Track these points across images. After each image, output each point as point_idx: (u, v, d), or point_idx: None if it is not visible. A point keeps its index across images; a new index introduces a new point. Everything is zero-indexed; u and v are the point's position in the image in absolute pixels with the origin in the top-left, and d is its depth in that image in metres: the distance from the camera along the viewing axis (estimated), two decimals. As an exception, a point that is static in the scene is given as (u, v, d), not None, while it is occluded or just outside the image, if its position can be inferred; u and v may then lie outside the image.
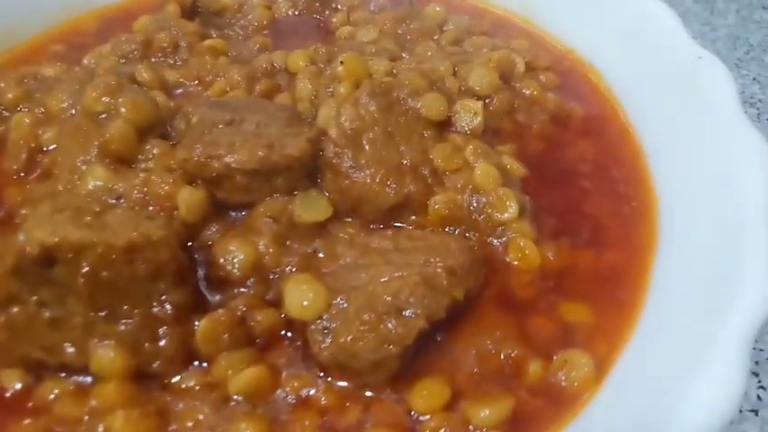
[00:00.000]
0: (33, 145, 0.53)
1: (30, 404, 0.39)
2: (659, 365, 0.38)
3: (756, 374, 0.58)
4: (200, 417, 0.38)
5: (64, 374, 0.40)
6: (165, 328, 0.39)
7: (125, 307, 0.38)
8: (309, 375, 0.40)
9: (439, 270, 0.41)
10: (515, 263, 0.46)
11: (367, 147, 0.48)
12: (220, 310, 0.40)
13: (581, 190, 0.51)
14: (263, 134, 0.47)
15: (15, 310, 0.37)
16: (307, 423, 0.38)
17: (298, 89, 0.56)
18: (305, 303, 0.40)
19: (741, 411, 0.55)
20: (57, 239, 0.36)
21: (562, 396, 0.39)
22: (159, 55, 0.61)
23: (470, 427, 0.37)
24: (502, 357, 0.41)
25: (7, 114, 0.57)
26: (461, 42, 0.65)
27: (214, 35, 0.66)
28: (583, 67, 0.63)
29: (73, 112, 0.55)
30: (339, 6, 0.71)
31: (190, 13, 0.67)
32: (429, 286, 0.40)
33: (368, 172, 0.47)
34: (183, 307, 0.39)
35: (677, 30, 0.54)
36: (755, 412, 0.55)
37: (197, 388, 0.39)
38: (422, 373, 0.40)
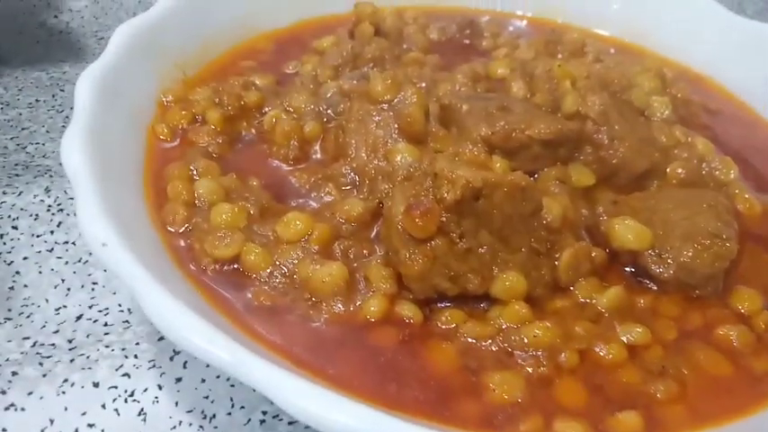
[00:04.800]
0: (300, 136, 0.59)
1: (436, 330, 0.45)
2: None
3: None
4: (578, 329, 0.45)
5: (450, 304, 0.46)
6: (541, 258, 0.46)
7: (517, 240, 0.45)
8: (650, 292, 0.49)
9: (721, 207, 0.52)
10: (744, 211, 0.58)
11: (616, 125, 0.58)
12: (576, 245, 0.48)
13: (753, 163, 0.65)
14: (538, 115, 0.57)
15: (439, 241, 0.43)
16: (663, 322, 0.47)
17: (514, 90, 0.66)
18: (637, 236, 0.49)
19: None
20: (482, 177, 0.43)
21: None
22: (371, 65, 0.69)
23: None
24: (774, 272, 0.52)
25: (258, 115, 0.63)
26: (602, 61, 0.78)
27: (396, 52, 0.75)
28: (704, 79, 0.78)
29: (315, 108, 0.62)
30: (485, 33, 0.83)
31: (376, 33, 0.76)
32: (722, 219, 0.51)
33: (624, 144, 0.57)
34: (547, 242, 0.47)
35: None
36: None
37: (567, 307, 0.47)
38: (731, 285, 0.50)
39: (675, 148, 0.60)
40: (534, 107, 0.60)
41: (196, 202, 0.52)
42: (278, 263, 0.47)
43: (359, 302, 0.45)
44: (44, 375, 0.50)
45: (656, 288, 0.49)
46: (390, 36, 0.79)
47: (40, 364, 0.51)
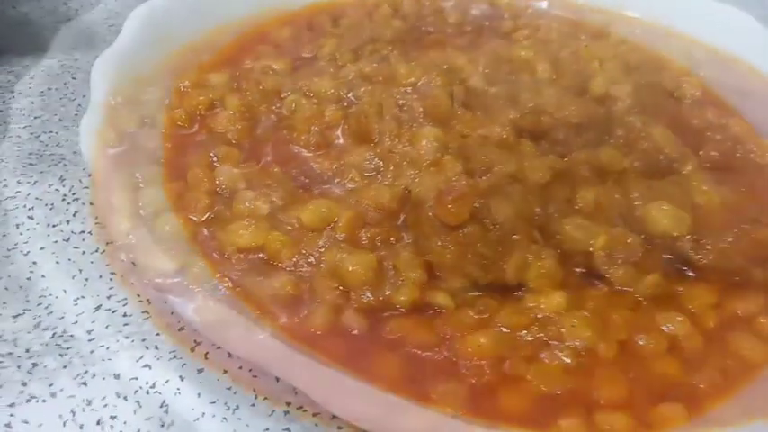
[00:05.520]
0: (321, 121, 0.58)
1: (468, 320, 0.43)
2: None
3: None
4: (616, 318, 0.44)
5: (482, 293, 0.45)
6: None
7: (550, 226, 0.44)
8: (689, 279, 0.47)
9: (759, 191, 0.50)
10: (783, 193, 0.56)
11: (646, 107, 0.57)
12: (610, 231, 0.47)
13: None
14: (567, 98, 0.55)
15: (471, 228, 0.42)
16: (703, 311, 0.45)
17: (539, 72, 0.64)
18: (674, 221, 0.47)
19: None
20: (515, 161, 0.42)
21: None
22: (390, 48, 0.68)
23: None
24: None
25: (277, 101, 0.61)
26: (627, 42, 0.76)
27: (415, 34, 0.73)
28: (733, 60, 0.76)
29: (336, 92, 0.61)
30: (505, 15, 0.81)
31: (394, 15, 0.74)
32: (760, 203, 0.49)
33: (654, 126, 0.56)
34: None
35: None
36: None
37: (604, 295, 0.45)
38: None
39: (708, 131, 0.59)
40: (562, 89, 0.58)
41: (217, 189, 0.50)
42: (304, 251, 0.46)
43: (388, 291, 0.44)
44: (64, 367, 0.49)
45: (694, 275, 0.48)
46: (409, 18, 0.77)
47: (60, 355, 0.50)
